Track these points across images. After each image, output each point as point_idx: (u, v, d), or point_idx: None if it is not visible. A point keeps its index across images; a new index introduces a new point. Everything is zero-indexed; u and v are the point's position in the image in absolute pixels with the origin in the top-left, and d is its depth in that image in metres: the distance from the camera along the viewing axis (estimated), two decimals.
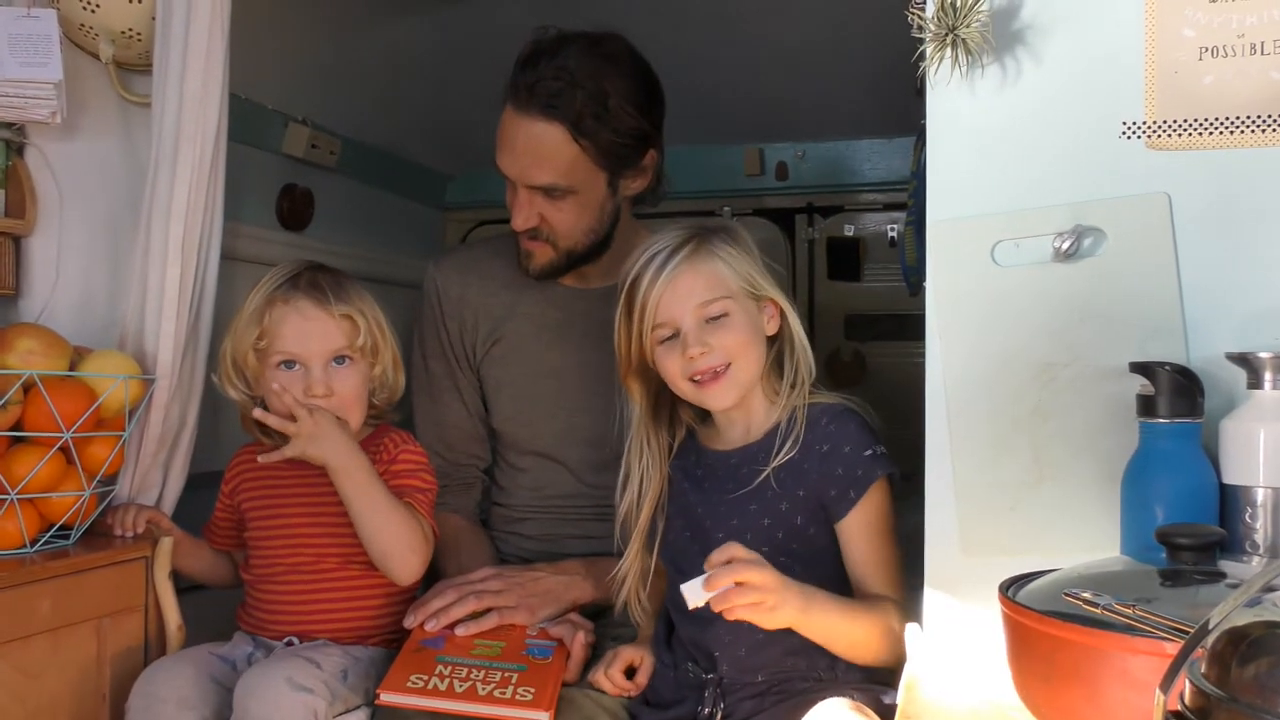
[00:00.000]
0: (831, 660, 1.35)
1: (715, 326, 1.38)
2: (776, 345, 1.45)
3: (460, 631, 1.48)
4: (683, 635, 1.42)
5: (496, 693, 1.34)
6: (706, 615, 1.34)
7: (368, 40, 2.41)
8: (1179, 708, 0.57)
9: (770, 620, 1.23)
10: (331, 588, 1.51)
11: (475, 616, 1.51)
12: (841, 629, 1.30)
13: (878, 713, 1.25)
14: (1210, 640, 0.58)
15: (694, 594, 1.20)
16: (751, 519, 1.38)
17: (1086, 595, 0.77)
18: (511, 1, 2.32)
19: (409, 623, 1.50)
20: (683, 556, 1.40)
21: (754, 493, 1.38)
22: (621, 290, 1.43)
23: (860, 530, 1.37)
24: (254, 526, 1.57)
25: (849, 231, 2.81)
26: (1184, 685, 0.58)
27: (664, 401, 1.49)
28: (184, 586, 1.59)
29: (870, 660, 1.33)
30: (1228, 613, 0.58)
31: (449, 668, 1.39)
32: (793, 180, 2.81)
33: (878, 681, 1.35)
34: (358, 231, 2.59)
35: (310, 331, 1.51)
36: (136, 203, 1.57)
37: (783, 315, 1.44)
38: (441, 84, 2.61)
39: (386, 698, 1.35)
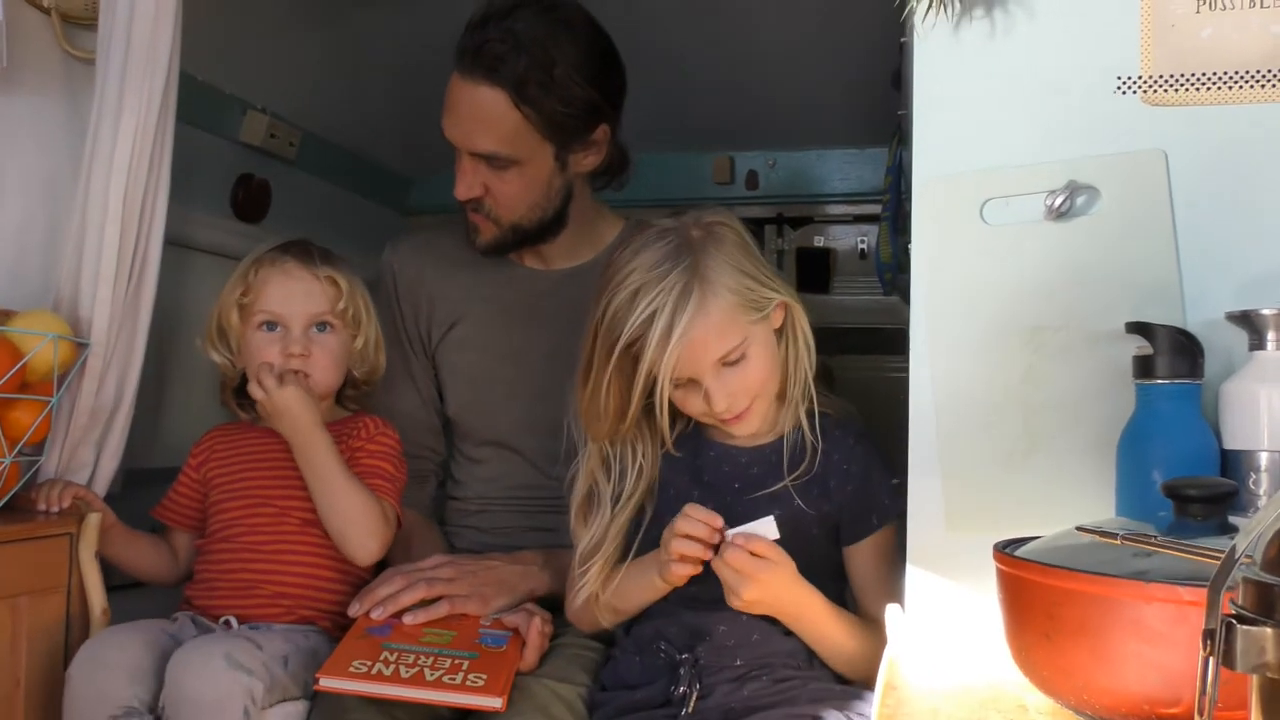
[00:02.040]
0: (811, 652, 1.31)
1: (735, 370, 1.29)
2: (783, 340, 1.36)
3: (408, 620, 1.39)
4: (660, 613, 1.34)
5: (446, 678, 1.25)
6: (705, 598, 1.30)
7: (333, 31, 2.34)
8: (1232, 612, 0.51)
9: (739, 607, 1.26)
10: (288, 549, 1.47)
11: (425, 605, 1.41)
12: (828, 644, 1.30)
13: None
14: (1264, 546, 0.52)
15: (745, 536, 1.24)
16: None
17: (1102, 526, 0.70)
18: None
19: (354, 610, 1.40)
20: None
21: (774, 499, 1.32)
22: (606, 336, 1.28)
23: (874, 555, 1.35)
24: (218, 491, 1.52)
25: (819, 242, 2.77)
26: (1234, 592, 0.52)
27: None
28: (118, 584, 1.50)
29: (854, 670, 1.31)
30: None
31: (395, 654, 1.29)
32: (763, 190, 2.77)
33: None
34: (316, 228, 2.46)
35: (294, 291, 1.51)
36: (77, 165, 1.48)
37: (786, 307, 1.35)
38: (408, 83, 2.53)
39: (326, 682, 1.25)
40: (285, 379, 1.46)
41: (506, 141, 1.56)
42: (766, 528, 1.24)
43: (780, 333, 1.36)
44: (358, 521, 1.43)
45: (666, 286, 1.25)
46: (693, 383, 1.30)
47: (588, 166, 1.65)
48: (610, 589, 1.36)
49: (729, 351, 1.28)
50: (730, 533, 1.24)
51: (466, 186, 1.59)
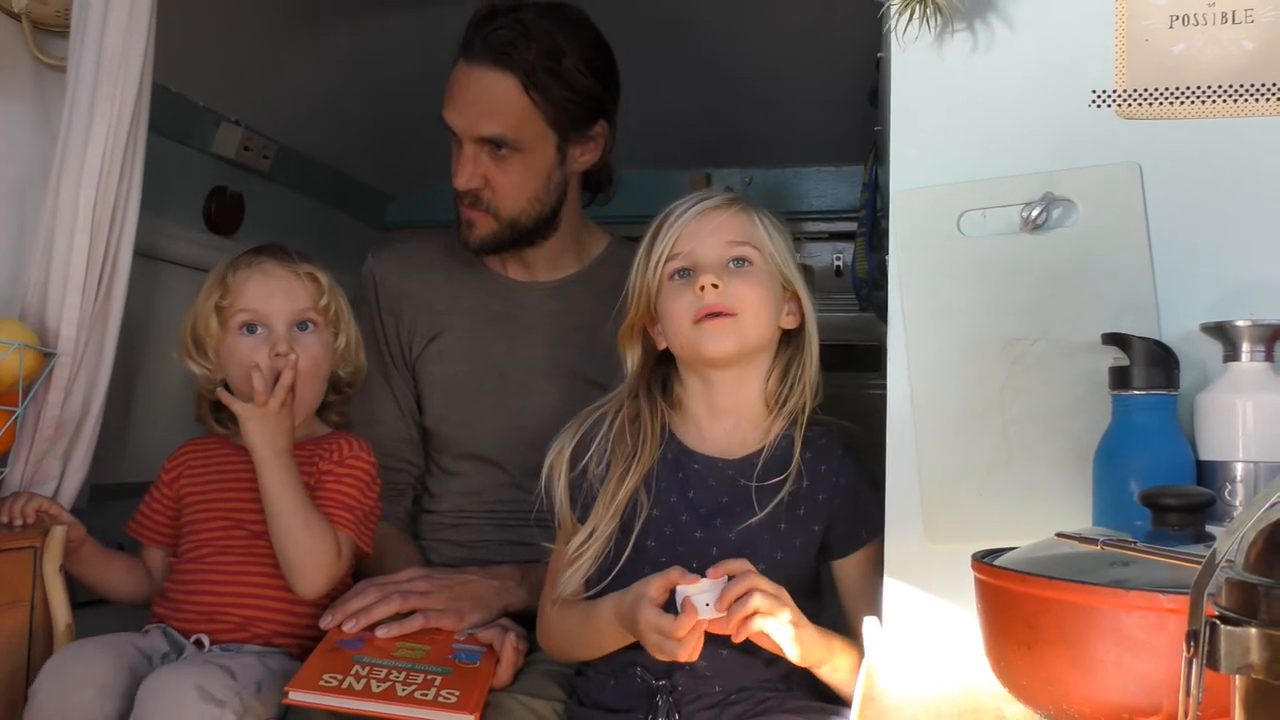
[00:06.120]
0: (786, 671, 1.28)
1: (735, 273, 1.31)
2: (793, 344, 1.36)
3: (381, 633, 1.36)
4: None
5: (418, 694, 1.23)
6: None
7: (309, 44, 2.32)
8: (1215, 612, 0.50)
9: (789, 649, 1.20)
10: (260, 572, 1.42)
11: (399, 618, 1.39)
12: (825, 666, 1.27)
13: None
14: (1245, 548, 0.51)
15: (701, 603, 1.15)
16: (764, 548, 1.29)
17: (1081, 533, 0.70)
18: (460, 13, 2.27)
19: (325, 623, 1.38)
20: (657, 568, 1.24)
21: (765, 519, 1.29)
22: (650, 239, 1.35)
23: (863, 569, 1.33)
24: (192, 510, 1.48)
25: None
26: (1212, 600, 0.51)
27: (655, 374, 1.40)
28: (84, 600, 1.47)
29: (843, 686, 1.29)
30: (1261, 509, 0.51)
31: (367, 668, 1.27)
32: None
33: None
34: (291, 243, 2.48)
35: (274, 289, 1.48)
36: (47, 172, 1.46)
37: (803, 318, 1.35)
38: (386, 97, 2.53)
39: (295, 696, 1.22)
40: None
41: (513, 126, 1.57)
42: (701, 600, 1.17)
43: (791, 337, 1.36)
44: (305, 556, 1.38)
45: (718, 196, 1.35)
46: (691, 274, 1.31)
47: (585, 163, 1.67)
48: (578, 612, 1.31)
49: (738, 243, 1.32)
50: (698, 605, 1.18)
51: (467, 176, 1.59)
